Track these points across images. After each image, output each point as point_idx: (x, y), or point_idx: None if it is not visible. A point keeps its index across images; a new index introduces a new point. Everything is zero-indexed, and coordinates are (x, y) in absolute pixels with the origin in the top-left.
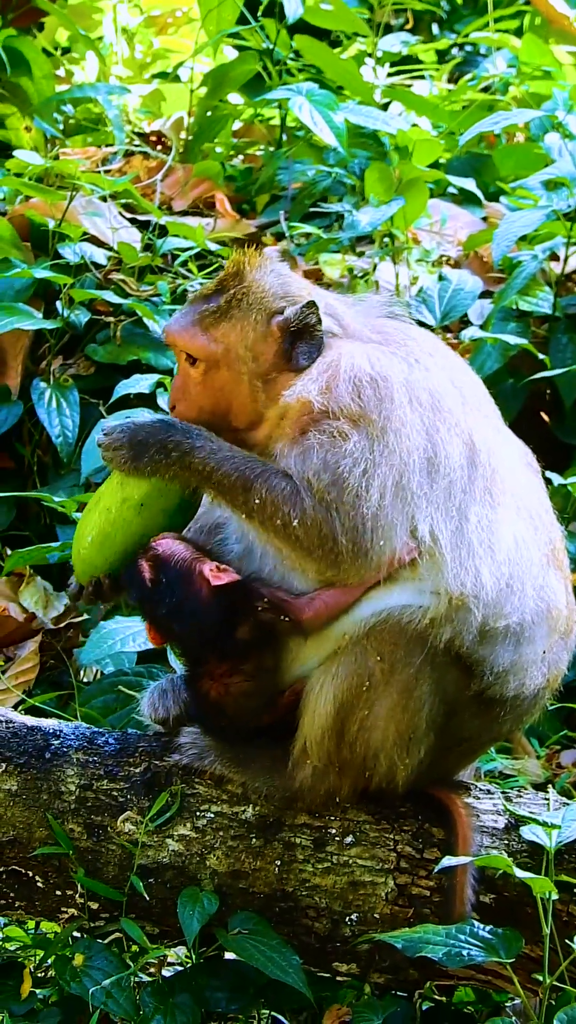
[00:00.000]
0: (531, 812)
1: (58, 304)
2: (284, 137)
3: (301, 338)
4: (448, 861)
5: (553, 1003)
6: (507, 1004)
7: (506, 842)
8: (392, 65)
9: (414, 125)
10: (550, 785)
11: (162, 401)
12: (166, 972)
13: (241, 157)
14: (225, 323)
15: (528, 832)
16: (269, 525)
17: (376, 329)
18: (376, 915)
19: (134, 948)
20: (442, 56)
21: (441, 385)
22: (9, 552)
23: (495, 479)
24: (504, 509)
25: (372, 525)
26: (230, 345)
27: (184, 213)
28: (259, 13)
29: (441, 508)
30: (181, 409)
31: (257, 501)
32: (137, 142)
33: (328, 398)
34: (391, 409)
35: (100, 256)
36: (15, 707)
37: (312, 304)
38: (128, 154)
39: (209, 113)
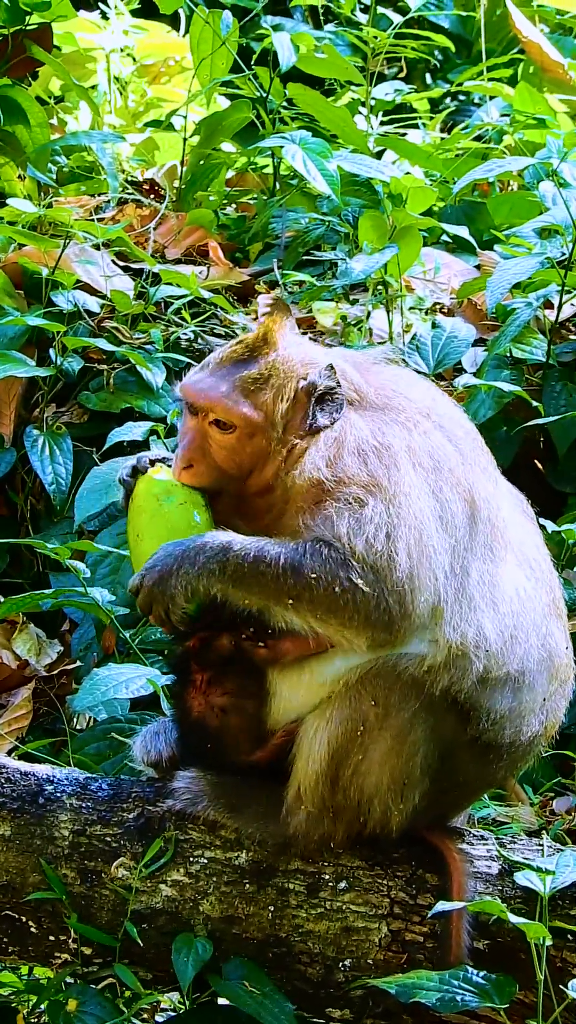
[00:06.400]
0: (525, 858)
1: (51, 352)
2: (277, 185)
3: (323, 401)
4: (442, 906)
5: None
6: None
7: (500, 888)
8: (385, 114)
9: (407, 173)
10: (544, 832)
11: (156, 449)
12: (159, 1018)
13: (234, 205)
14: (266, 391)
15: (522, 878)
16: (322, 600)
17: (376, 392)
18: (370, 961)
19: (127, 994)
20: (436, 105)
21: (440, 446)
22: (2, 599)
23: (495, 534)
24: (504, 564)
25: (410, 586)
26: (269, 413)
27: (177, 261)
28: (252, 61)
29: (447, 567)
30: (199, 470)
31: (313, 576)
32: (130, 190)
33: (335, 470)
34: (398, 476)
35: (93, 304)
36: (8, 753)
37: (331, 367)
38: (121, 202)
39: (202, 161)
